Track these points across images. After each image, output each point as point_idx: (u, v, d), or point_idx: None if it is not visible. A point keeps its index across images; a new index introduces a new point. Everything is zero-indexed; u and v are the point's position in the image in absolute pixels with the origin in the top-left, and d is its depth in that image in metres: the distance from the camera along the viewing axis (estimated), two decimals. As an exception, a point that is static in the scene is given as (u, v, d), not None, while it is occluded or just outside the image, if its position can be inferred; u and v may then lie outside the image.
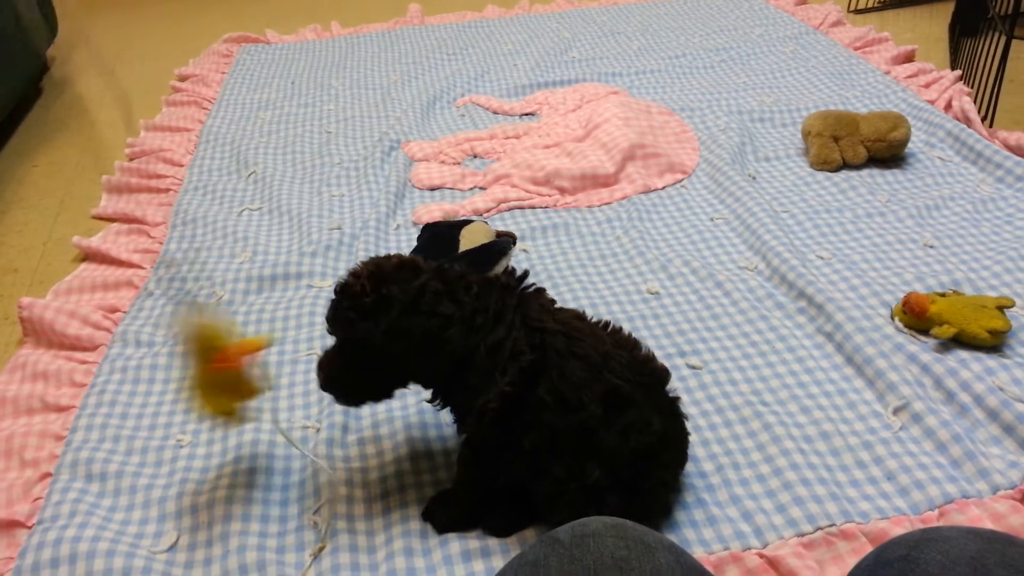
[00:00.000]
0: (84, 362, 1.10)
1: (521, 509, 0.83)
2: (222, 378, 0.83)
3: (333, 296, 0.79)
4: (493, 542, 0.81)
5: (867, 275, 1.17)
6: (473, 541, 0.82)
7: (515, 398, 0.76)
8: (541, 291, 0.83)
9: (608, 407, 0.76)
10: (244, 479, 0.90)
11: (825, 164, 1.44)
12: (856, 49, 1.92)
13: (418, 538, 0.83)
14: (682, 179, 1.46)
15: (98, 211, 1.48)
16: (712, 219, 1.34)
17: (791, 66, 1.86)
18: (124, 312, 1.19)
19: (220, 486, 0.89)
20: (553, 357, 0.76)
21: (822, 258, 1.21)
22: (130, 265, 1.30)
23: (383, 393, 0.82)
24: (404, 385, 0.83)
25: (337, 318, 0.78)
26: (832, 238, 1.26)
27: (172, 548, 0.83)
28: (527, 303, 0.80)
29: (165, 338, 1.14)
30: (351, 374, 0.80)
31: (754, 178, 1.43)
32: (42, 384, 1.06)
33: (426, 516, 0.84)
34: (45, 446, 0.96)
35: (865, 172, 1.44)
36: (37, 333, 1.14)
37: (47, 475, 0.92)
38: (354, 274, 0.78)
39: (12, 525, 0.86)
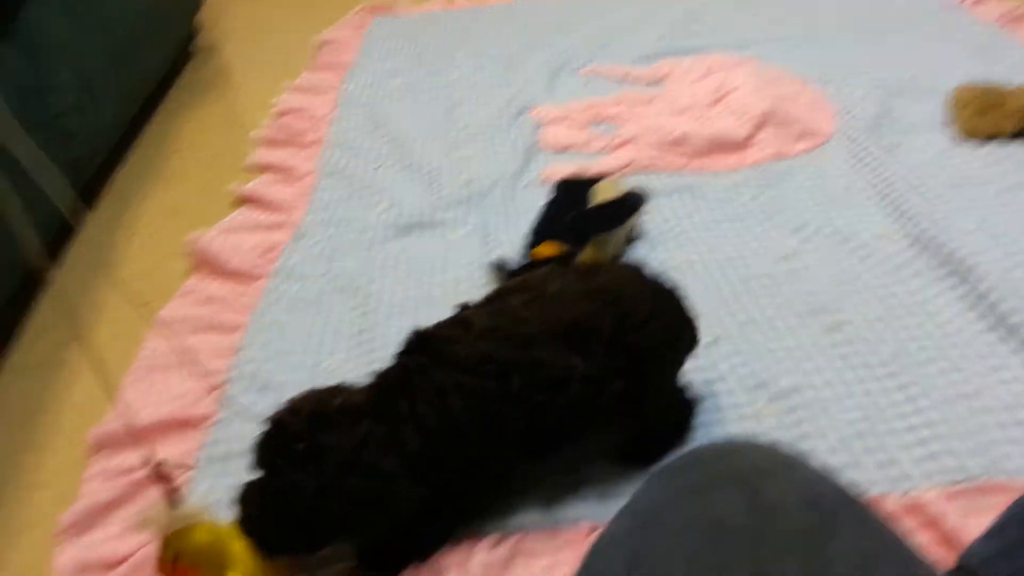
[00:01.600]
0: (247, 292, 1.19)
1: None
2: None
3: (265, 430, 0.70)
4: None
5: (1012, 246, 1.14)
6: (614, 465, 0.85)
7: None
8: (431, 342, 0.77)
9: (574, 341, 0.75)
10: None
11: (971, 136, 1.40)
12: (1003, 24, 1.84)
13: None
14: (817, 146, 1.45)
15: (251, 162, 1.59)
16: (847, 188, 1.33)
17: (933, 40, 1.80)
18: (280, 250, 1.28)
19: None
20: (515, 373, 0.74)
21: (965, 229, 1.19)
22: (283, 210, 1.40)
23: (312, 546, 0.73)
24: (335, 542, 0.74)
25: (264, 458, 0.69)
26: (976, 210, 1.23)
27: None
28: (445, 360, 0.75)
29: (317, 274, 1.22)
30: (276, 519, 0.69)
31: (893, 149, 1.40)
32: (210, 308, 1.16)
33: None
34: (218, 359, 1.06)
35: (1012, 146, 1.39)
36: (204, 265, 1.25)
37: (219, 384, 1.01)
38: (292, 410, 0.70)
39: (193, 423, 0.96)
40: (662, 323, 0.80)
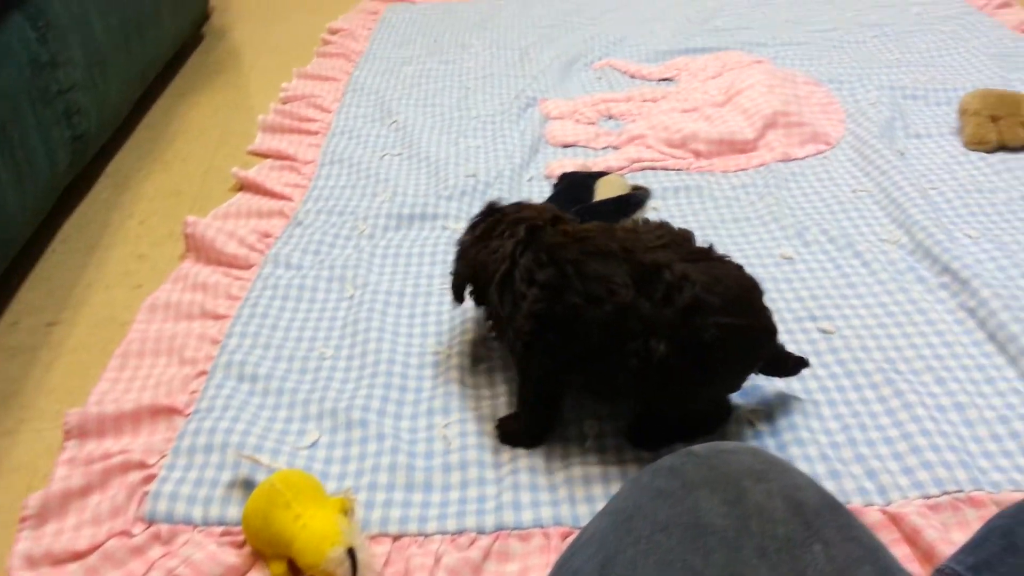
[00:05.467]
0: (239, 278, 1.18)
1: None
2: None
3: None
4: (614, 469, 0.84)
5: (1017, 256, 1.12)
6: (594, 467, 0.84)
7: (545, 315, 0.80)
8: (556, 220, 0.89)
9: (640, 283, 0.78)
10: (381, 392, 0.96)
11: (981, 144, 1.37)
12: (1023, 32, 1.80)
13: (542, 458, 0.86)
14: (825, 150, 1.42)
15: (254, 147, 1.58)
16: (855, 191, 1.30)
17: (950, 45, 1.77)
18: (276, 237, 1.28)
19: (359, 396, 0.95)
20: (567, 266, 0.80)
21: (970, 237, 1.16)
22: (282, 197, 1.39)
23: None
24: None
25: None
26: (983, 218, 1.21)
27: (314, 445, 0.90)
28: (537, 236, 0.85)
29: (311, 263, 1.21)
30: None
31: (903, 154, 1.38)
32: (201, 294, 1.15)
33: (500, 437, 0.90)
34: (203, 348, 1.05)
35: (1023, 155, 1.36)
36: (198, 249, 1.24)
37: (203, 373, 1.01)
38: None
39: (172, 412, 0.95)
40: (744, 341, 0.80)
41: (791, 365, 0.89)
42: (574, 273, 0.80)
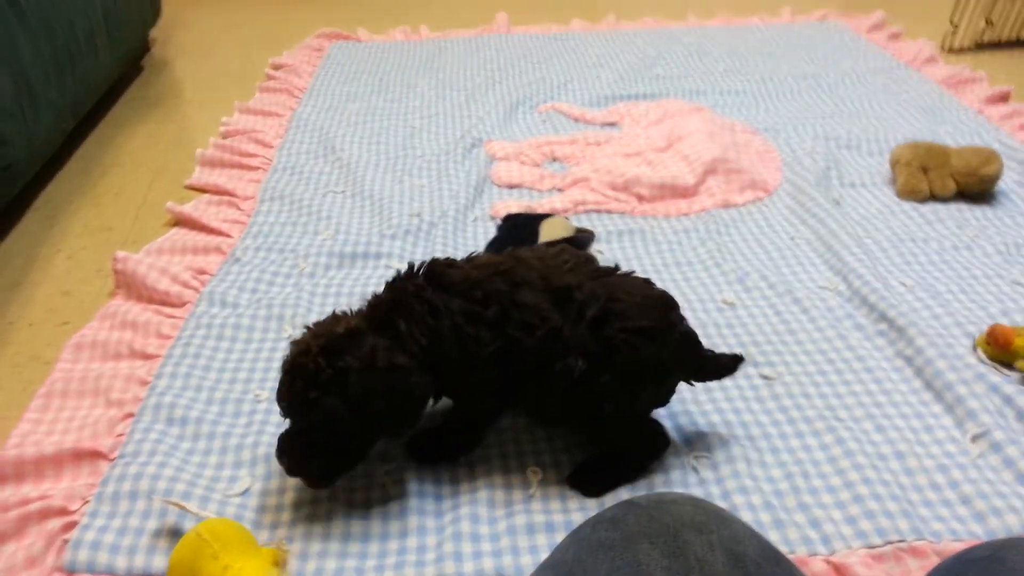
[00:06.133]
0: (171, 316, 1.14)
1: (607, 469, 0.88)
2: None
3: (284, 376, 0.78)
4: (559, 518, 0.82)
5: (951, 305, 1.15)
6: (538, 516, 0.82)
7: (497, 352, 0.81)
8: (434, 267, 0.85)
9: (556, 305, 0.81)
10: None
11: (912, 194, 1.42)
12: (949, 87, 1.89)
13: (485, 507, 0.84)
14: (763, 197, 1.45)
15: (191, 182, 1.54)
16: (792, 238, 1.33)
17: (881, 98, 1.84)
18: (212, 275, 1.24)
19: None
20: (503, 301, 0.81)
21: (905, 285, 1.19)
22: (219, 233, 1.35)
23: (356, 460, 0.83)
24: (372, 446, 0.84)
25: (295, 401, 0.77)
26: (916, 267, 1.24)
27: (246, 492, 0.86)
28: (442, 283, 0.83)
29: (249, 301, 1.17)
30: (320, 452, 0.79)
31: (838, 202, 1.41)
32: (130, 332, 1.10)
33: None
34: (130, 389, 1.00)
35: (953, 206, 1.41)
36: (129, 286, 1.19)
37: (130, 415, 0.96)
38: (303, 351, 0.78)
39: (96, 456, 0.90)
40: (651, 344, 0.81)
41: (723, 364, 0.90)
42: (510, 305, 0.81)
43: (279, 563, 0.75)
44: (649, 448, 0.89)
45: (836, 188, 1.47)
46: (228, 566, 0.72)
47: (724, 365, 0.90)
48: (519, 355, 0.81)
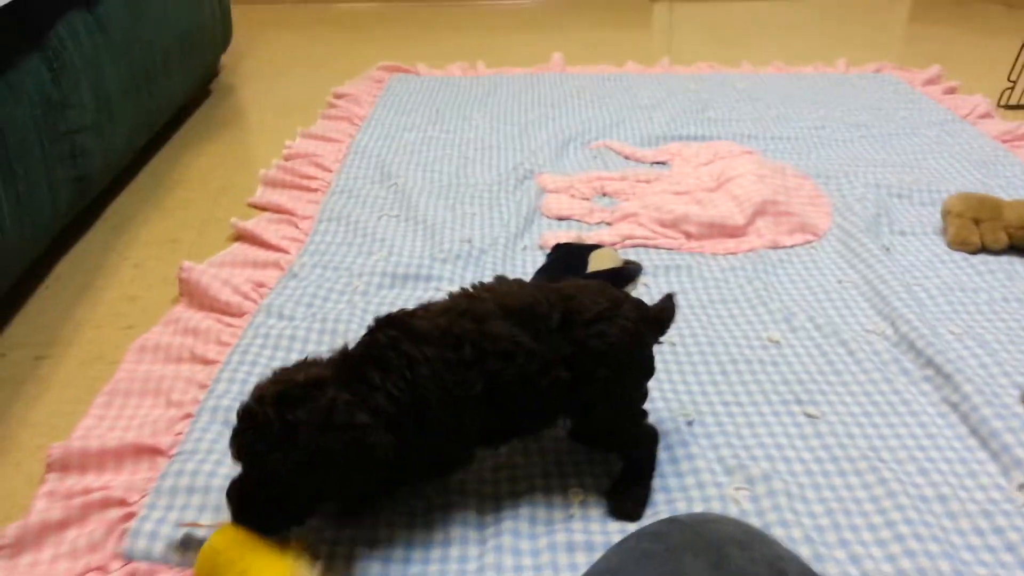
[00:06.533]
0: (231, 325, 1.18)
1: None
2: None
3: (237, 422, 0.74)
4: (599, 539, 0.83)
5: (999, 355, 1.14)
6: (578, 535, 0.84)
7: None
8: (399, 319, 0.82)
9: (523, 327, 0.82)
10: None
11: (963, 245, 1.42)
12: (1004, 142, 1.88)
13: (527, 522, 0.85)
14: (812, 240, 1.46)
15: (253, 200, 1.60)
16: (840, 281, 1.34)
17: (934, 150, 1.84)
18: (270, 288, 1.28)
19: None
20: (476, 339, 0.81)
21: (953, 333, 1.19)
22: (278, 249, 1.40)
23: (305, 514, 0.78)
24: (325, 501, 0.79)
25: (243, 450, 0.73)
26: (965, 316, 1.24)
27: (296, 495, 0.89)
28: (412, 334, 0.80)
29: (304, 315, 1.21)
30: (267, 502, 0.74)
31: (888, 249, 1.42)
32: (192, 338, 1.15)
33: None
34: (190, 391, 1.04)
35: (1004, 258, 1.40)
36: (192, 295, 1.24)
37: (189, 415, 1.00)
38: (258, 398, 0.74)
39: (155, 452, 0.94)
40: (613, 329, 0.84)
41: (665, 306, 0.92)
42: (482, 340, 0.81)
43: (305, 558, 0.75)
44: (647, 434, 0.92)
45: (886, 235, 1.47)
46: (245, 570, 0.72)
47: (666, 306, 0.92)
48: (503, 387, 0.81)
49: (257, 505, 0.74)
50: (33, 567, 0.81)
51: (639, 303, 0.90)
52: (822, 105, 2.13)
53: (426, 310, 0.85)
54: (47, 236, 1.32)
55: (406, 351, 0.78)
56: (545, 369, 0.82)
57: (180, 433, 0.97)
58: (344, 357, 0.79)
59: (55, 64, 1.31)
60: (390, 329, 0.80)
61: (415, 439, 0.77)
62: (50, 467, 0.92)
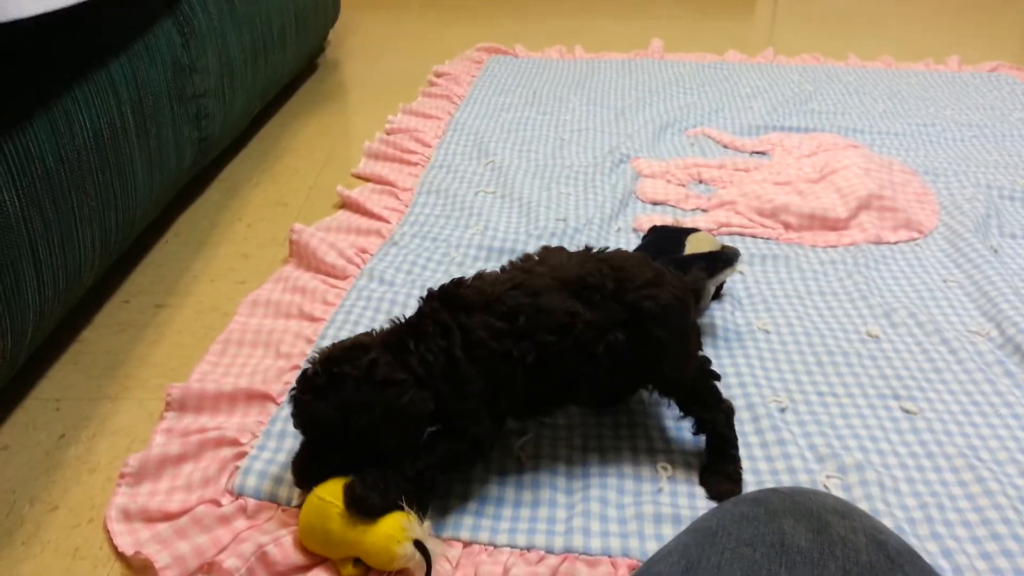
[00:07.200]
0: (335, 287, 1.24)
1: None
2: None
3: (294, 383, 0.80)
4: (686, 512, 0.85)
5: (1112, 364, 1.10)
6: (666, 508, 0.85)
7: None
8: (449, 289, 0.86)
9: (577, 297, 0.85)
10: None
11: (1078, 250, 1.36)
12: None
13: (615, 492, 0.87)
14: (917, 238, 1.43)
15: (357, 171, 1.66)
16: (945, 280, 1.30)
17: (1051, 151, 1.77)
18: (372, 254, 1.33)
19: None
20: (527, 309, 0.83)
21: (1063, 339, 1.15)
22: (380, 218, 1.45)
23: (352, 467, 0.80)
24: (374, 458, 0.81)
25: (296, 406, 0.79)
26: (1076, 322, 1.19)
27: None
28: (458, 304, 0.83)
29: (404, 281, 1.26)
30: (324, 465, 0.80)
31: (996, 250, 1.37)
32: (300, 296, 1.21)
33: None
34: (297, 344, 1.10)
35: (1123, 266, 1.34)
36: (300, 256, 1.30)
37: (296, 367, 1.05)
38: (311, 360, 0.81)
39: (266, 398, 1.00)
40: (664, 293, 0.87)
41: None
42: (535, 313, 0.83)
43: (413, 509, 0.78)
44: (711, 384, 0.93)
45: (995, 236, 1.43)
46: (357, 520, 0.76)
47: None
48: (558, 356, 0.83)
49: (318, 469, 0.80)
50: (152, 495, 0.87)
51: (678, 275, 0.94)
52: (932, 102, 2.06)
53: (479, 278, 0.88)
54: (171, 192, 1.40)
55: (443, 320, 0.82)
56: (601, 335, 0.84)
57: (288, 382, 1.02)
58: (393, 326, 0.85)
59: (185, 30, 1.38)
60: (433, 301, 0.85)
61: (450, 404, 0.81)
62: (169, 405, 0.99)
